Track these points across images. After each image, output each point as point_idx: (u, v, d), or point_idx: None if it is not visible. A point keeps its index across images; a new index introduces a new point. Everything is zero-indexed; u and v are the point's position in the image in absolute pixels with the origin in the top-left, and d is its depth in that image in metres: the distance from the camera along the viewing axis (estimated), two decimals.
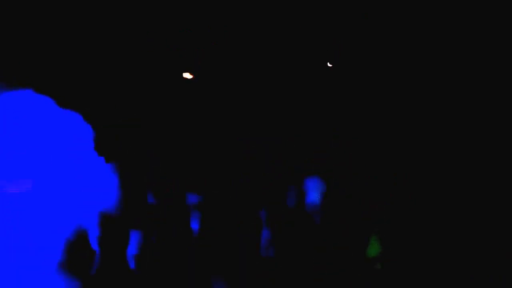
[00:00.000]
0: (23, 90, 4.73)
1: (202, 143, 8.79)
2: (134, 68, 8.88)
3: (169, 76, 9.06)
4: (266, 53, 8.87)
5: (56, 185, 4.82)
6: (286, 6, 8.43)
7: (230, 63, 9.12)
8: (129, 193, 6.72)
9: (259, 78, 8.98)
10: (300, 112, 8.87)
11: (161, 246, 7.18)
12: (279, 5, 8.42)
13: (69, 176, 4.93)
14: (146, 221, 7.35)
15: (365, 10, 8.37)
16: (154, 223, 7.30)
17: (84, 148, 5.14)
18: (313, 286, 6.61)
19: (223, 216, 7.34)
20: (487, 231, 6.97)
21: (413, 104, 8.43)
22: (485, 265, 6.57)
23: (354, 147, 8.48)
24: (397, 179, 7.82)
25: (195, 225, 7.27)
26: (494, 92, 7.98)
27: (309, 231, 7.48)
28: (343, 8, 8.43)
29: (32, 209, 4.61)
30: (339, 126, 8.74)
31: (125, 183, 6.21)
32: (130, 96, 8.80)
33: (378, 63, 8.71)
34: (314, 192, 8.08)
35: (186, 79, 9.14)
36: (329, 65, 8.87)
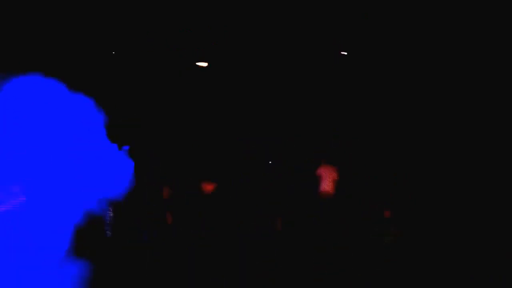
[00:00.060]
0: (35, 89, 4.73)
1: (202, 143, 8.79)
2: (134, 69, 8.88)
3: (170, 76, 9.06)
4: (266, 53, 8.87)
5: (56, 185, 4.81)
6: (286, 6, 8.43)
7: (230, 63, 9.12)
8: (129, 193, 6.72)
9: (259, 78, 8.99)
10: (300, 112, 8.88)
11: (161, 245, 7.18)
12: (279, 5, 8.43)
13: (72, 172, 4.92)
14: (146, 221, 7.36)
15: (365, 10, 8.38)
16: (154, 223, 7.30)
17: (85, 148, 5.13)
18: (313, 286, 6.61)
19: (223, 216, 7.33)
20: (487, 231, 6.98)
21: (413, 104, 8.43)
22: (485, 265, 6.57)
23: (354, 147, 8.48)
24: (397, 179, 7.83)
25: (195, 225, 7.27)
26: (494, 92, 7.98)
27: (309, 231, 7.48)
28: (343, 8, 8.43)
29: (38, 203, 4.61)
30: (339, 126, 8.74)
31: (126, 182, 6.20)
32: (130, 96, 8.80)
33: (378, 63, 8.72)
34: (314, 192, 8.08)
35: (187, 79, 9.15)
36: (329, 65, 8.87)
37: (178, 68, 9.06)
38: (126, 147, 7.60)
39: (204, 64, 9.10)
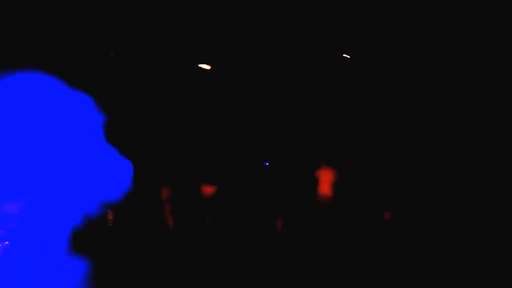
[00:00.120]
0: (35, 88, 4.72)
1: (202, 143, 8.78)
2: (134, 69, 8.87)
3: (170, 76, 9.06)
4: (266, 54, 8.86)
5: (55, 186, 4.81)
6: (286, 6, 8.43)
7: (230, 63, 9.12)
8: (130, 193, 6.72)
9: (259, 78, 8.98)
10: (300, 112, 8.87)
11: (161, 245, 7.18)
12: (279, 5, 8.42)
13: (71, 173, 4.92)
14: (146, 221, 7.35)
15: (365, 10, 8.38)
16: (154, 222, 7.30)
17: (85, 148, 5.13)
18: (313, 286, 6.61)
19: (223, 216, 7.33)
20: (487, 231, 6.98)
21: (412, 104, 8.43)
22: (485, 265, 6.57)
23: (354, 147, 8.47)
24: (397, 179, 7.82)
25: (195, 225, 7.27)
26: (494, 93, 7.98)
27: (309, 231, 7.48)
28: (343, 8, 8.43)
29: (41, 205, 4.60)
30: (339, 126, 8.74)
31: (126, 182, 6.20)
32: (130, 96, 8.79)
33: (378, 63, 8.71)
34: (314, 192, 8.07)
35: (187, 79, 9.14)
36: (327, 67, 8.87)
37: (178, 68, 9.05)
38: (126, 148, 7.60)
39: (205, 66, 9.10)
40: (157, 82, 8.98)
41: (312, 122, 8.82)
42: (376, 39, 8.57)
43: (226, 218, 7.24)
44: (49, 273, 4.68)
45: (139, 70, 8.90)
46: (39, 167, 4.75)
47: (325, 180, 7.99)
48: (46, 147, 4.80)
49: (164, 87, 9.02)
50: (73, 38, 8.18)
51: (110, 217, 7.07)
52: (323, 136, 8.66)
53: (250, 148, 8.63)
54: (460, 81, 8.17)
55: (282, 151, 8.72)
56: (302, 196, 7.83)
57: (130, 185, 6.41)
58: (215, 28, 8.69)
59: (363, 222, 7.27)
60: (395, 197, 7.48)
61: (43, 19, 7.89)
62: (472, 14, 7.96)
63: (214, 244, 6.98)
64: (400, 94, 8.53)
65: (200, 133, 8.88)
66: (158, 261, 6.96)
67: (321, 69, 8.89)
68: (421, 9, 8.15)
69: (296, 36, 8.73)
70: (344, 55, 8.83)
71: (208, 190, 7.52)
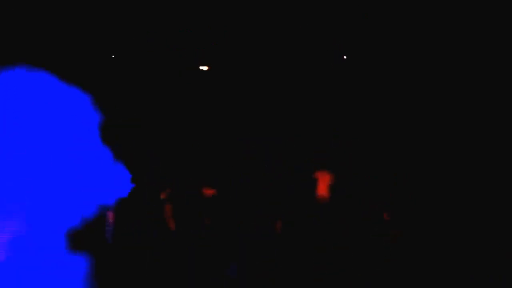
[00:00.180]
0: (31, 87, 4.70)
1: (202, 143, 8.78)
2: (135, 69, 8.86)
3: (170, 76, 9.05)
4: (266, 54, 8.86)
5: (53, 186, 4.80)
6: (286, 6, 8.42)
7: (230, 63, 9.11)
8: (130, 193, 6.72)
9: (259, 78, 8.97)
10: (300, 112, 8.86)
11: (161, 245, 7.17)
12: (279, 5, 8.42)
13: (69, 174, 4.92)
14: (146, 220, 7.35)
15: (365, 10, 8.37)
16: (154, 222, 7.30)
17: (85, 149, 5.12)
18: (313, 286, 6.61)
19: (223, 216, 7.33)
20: (487, 231, 6.97)
21: (412, 105, 8.43)
22: (485, 265, 6.57)
23: (354, 147, 8.47)
24: (397, 179, 7.82)
25: (195, 225, 7.26)
26: (494, 93, 7.97)
27: (309, 231, 7.47)
28: (343, 8, 8.42)
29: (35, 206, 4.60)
30: (339, 126, 8.73)
31: (126, 182, 6.20)
32: (130, 96, 8.79)
33: (378, 63, 8.71)
34: (313, 192, 8.06)
35: (187, 79, 9.13)
36: (330, 64, 8.86)
37: (178, 67, 9.04)
38: (125, 148, 7.60)
39: (205, 67, 9.10)
40: (157, 82, 8.97)
41: (311, 123, 8.81)
42: (375, 40, 8.56)
43: (226, 219, 7.24)
44: (49, 274, 4.68)
45: (139, 70, 8.89)
46: (36, 167, 4.73)
47: (324, 182, 7.98)
48: (44, 147, 4.79)
49: (164, 87, 9.01)
50: (72, 36, 8.17)
51: (110, 218, 7.07)
52: (321, 138, 8.65)
53: (248, 150, 8.62)
54: (460, 82, 8.16)
55: (280, 153, 8.71)
56: (300, 198, 7.82)
57: (130, 186, 6.41)
58: (215, 29, 8.68)
59: (362, 223, 7.27)
60: (395, 198, 7.48)
61: (40, 16, 7.89)
62: (472, 14, 7.95)
63: (213, 245, 6.98)
64: (399, 95, 8.53)
65: (199, 133, 8.88)
66: (158, 262, 6.96)
67: (320, 71, 8.89)
68: (421, 10, 8.14)
69: (296, 37, 8.73)
70: (342, 56, 8.83)
71: (208, 191, 7.53)
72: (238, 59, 8.95)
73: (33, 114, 4.76)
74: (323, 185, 8.03)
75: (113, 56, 8.73)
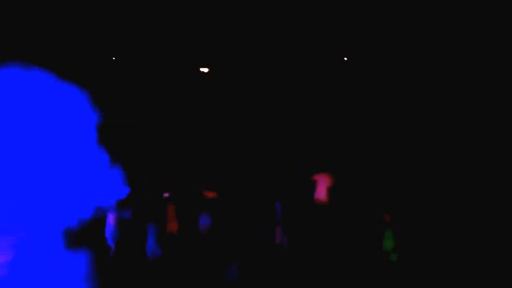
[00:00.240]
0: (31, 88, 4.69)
1: (202, 143, 8.78)
2: (135, 68, 8.86)
3: (170, 76, 9.05)
4: (266, 54, 8.86)
5: (51, 187, 4.79)
6: (286, 6, 8.42)
7: (230, 63, 9.11)
8: (130, 193, 6.71)
9: (259, 78, 8.98)
10: (300, 112, 8.87)
11: (161, 245, 7.18)
12: (280, 5, 8.42)
13: (68, 175, 4.91)
14: (146, 221, 7.35)
15: (365, 10, 8.37)
16: (154, 222, 7.30)
17: (85, 148, 5.11)
18: (313, 286, 6.61)
19: (223, 216, 7.33)
20: (487, 231, 6.98)
21: (413, 104, 8.43)
22: (485, 266, 6.57)
23: (354, 147, 8.47)
24: (397, 179, 7.82)
25: (195, 224, 7.27)
26: (494, 93, 7.97)
27: (309, 231, 7.47)
28: (343, 8, 8.42)
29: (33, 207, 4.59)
30: (339, 126, 8.73)
31: (126, 183, 6.20)
32: (130, 96, 8.79)
33: (378, 66, 8.71)
34: (313, 192, 8.06)
35: (187, 78, 9.13)
36: (330, 64, 8.86)
37: (178, 67, 9.04)
38: (125, 148, 7.59)
39: (205, 67, 9.10)
40: (158, 83, 8.97)
41: (311, 124, 8.81)
42: (375, 42, 8.56)
43: (226, 220, 7.24)
44: (50, 274, 4.67)
45: (140, 71, 8.89)
46: (36, 167, 4.72)
47: (323, 183, 7.96)
48: (45, 147, 4.78)
49: (165, 89, 9.01)
50: (72, 35, 8.17)
51: (110, 219, 7.08)
52: (321, 138, 8.65)
53: (248, 150, 8.62)
54: (460, 82, 8.16)
55: (280, 153, 8.71)
56: (300, 198, 7.81)
57: (130, 186, 6.41)
58: (215, 29, 8.68)
59: (362, 223, 7.27)
60: (394, 199, 7.48)
61: (40, 16, 7.88)
62: (472, 14, 7.95)
63: (213, 246, 6.98)
64: (399, 95, 8.53)
65: (199, 134, 8.88)
66: (158, 262, 6.97)
67: (321, 73, 8.89)
68: (421, 10, 8.14)
69: (297, 39, 8.73)
70: (342, 58, 8.83)
71: (208, 192, 7.52)
72: (238, 60, 8.95)
73: (34, 116, 4.75)
74: (322, 186, 8.03)
75: (114, 59, 8.75)
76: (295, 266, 6.89)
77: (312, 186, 7.80)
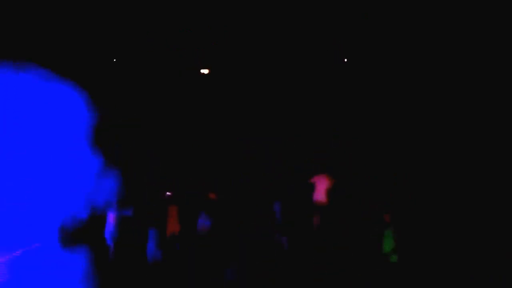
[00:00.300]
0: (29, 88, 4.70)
1: (202, 144, 8.79)
2: (135, 69, 8.87)
3: (170, 77, 9.06)
4: (266, 54, 8.87)
5: (47, 186, 4.79)
6: (287, 7, 8.43)
7: (230, 63, 9.12)
8: (130, 193, 6.72)
9: (259, 79, 8.99)
10: (300, 113, 8.87)
11: (161, 245, 7.18)
12: (280, 6, 8.43)
13: (65, 174, 4.91)
14: (146, 220, 7.36)
15: (365, 10, 8.37)
16: (155, 222, 7.31)
17: (84, 148, 5.12)
18: (313, 286, 6.61)
19: (223, 216, 7.33)
20: (487, 231, 6.97)
21: (413, 104, 8.43)
22: (485, 266, 6.57)
23: (354, 148, 8.47)
24: (397, 179, 7.82)
25: (195, 224, 7.27)
26: (494, 93, 7.98)
27: (309, 231, 7.47)
28: (343, 8, 8.43)
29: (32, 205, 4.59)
30: (339, 127, 8.74)
31: (126, 182, 6.20)
32: (130, 96, 8.80)
33: (378, 64, 8.71)
34: (312, 193, 8.06)
35: (187, 79, 9.14)
36: (330, 64, 8.87)
37: (178, 67, 9.06)
38: (125, 148, 7.60)
39: (205, 68, 9.11)
40: (158, 82, 8.98)
41: (311, 125, 8.82)
42: (375, 43, 8.57)
43: (225, 220, 7.23)
44: (50, 274, 4.68)
45: (140, 72, 8.90)
46: (36, 167, 4.73)
47: (323, 183, 7.96)
48: (44, 147, 4.78)
49: (165, 88, 9.02)
50: (71, 36, 8.18)
51: (110, 218, 7.08)
52: (321, 139, 8.65)
53: (248, 150, 8.62)
54: (460, 82, 8.17)
55: (280, 153, 8.71)
56: (300, 198, 7.81)
57: (130, 186, 6.42)
58: (215, 30, 8.70)
59: (362, 223, 7.27)
60: (394, 199, 7.48)
61: (40, 16, 7.90)
62: (472, 15, 7.96)
63: (213, 246, 6.98)
64: (399, 96, 8.53)
65: (199, 134, 8.89)
66: (158, 262, 6.97)
67: (321, 74, 8.90)
68: (421, 10, 8.15)
69: (297, 40, 8.74)
70: (343, 59, 8.84)
71: (208, 192, 7.52)
72: (238, 60, 8.96)
73: (34, 116, 4.76)
74: (322, 186, 8.03)
75: (114, 60, 8.76)
76: (295, 266, 6.88)
77: (312, 186, 7.80)
